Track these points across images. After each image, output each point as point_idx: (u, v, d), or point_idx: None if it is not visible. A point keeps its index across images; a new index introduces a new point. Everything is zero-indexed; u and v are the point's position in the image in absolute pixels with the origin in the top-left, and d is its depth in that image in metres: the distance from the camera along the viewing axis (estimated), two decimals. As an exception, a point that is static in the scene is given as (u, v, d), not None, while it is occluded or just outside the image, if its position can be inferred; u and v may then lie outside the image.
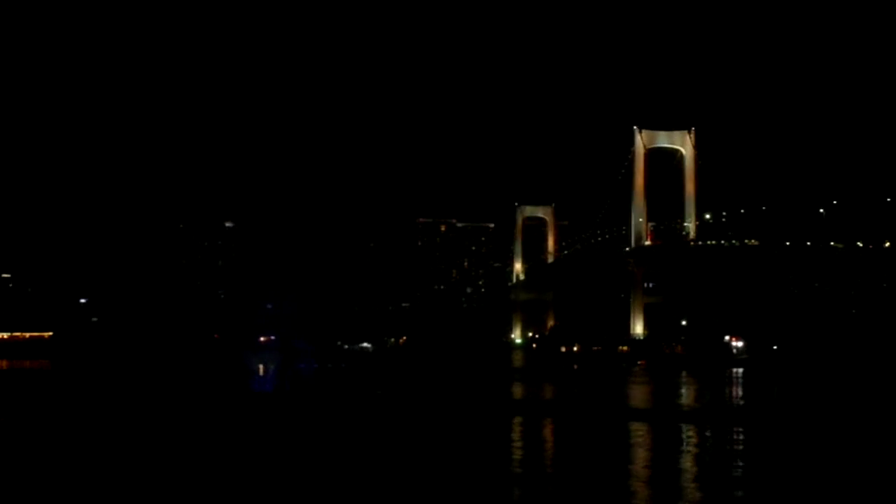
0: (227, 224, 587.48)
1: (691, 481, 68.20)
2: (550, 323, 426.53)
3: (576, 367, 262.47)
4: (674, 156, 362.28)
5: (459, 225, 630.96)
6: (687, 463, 76.05)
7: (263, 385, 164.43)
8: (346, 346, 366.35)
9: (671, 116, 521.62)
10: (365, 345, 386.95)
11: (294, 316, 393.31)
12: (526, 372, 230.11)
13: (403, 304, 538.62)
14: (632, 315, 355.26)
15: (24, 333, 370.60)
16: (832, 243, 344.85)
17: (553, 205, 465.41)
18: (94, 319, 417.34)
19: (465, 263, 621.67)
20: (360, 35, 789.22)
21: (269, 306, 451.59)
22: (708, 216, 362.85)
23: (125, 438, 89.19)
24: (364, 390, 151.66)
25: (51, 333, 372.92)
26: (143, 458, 76.28)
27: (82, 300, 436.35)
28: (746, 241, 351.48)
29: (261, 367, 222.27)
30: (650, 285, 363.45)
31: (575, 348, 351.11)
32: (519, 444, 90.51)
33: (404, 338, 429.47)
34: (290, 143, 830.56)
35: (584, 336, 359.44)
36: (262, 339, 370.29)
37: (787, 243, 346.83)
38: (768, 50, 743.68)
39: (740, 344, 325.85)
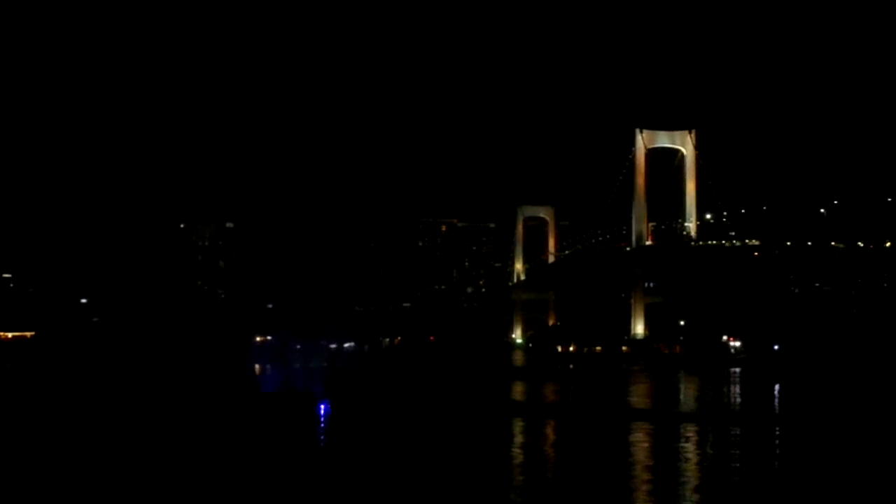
0: (228, 224, 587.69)
1: (692, 482, 68.04)
2: (551, 323, 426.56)
3: (572, 366, 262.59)
4: (675, 156, 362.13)
5: (460, 225, 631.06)
6: (686, 464, 75.92)
7: (268, 386, 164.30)
8: (335, 347, 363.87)
9: (672, 117, 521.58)
10: (350, 345, 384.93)
11: (293, 316, 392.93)
12: (523, 372, 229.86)
13: (404, 304, 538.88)
14: (632, 315, 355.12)
15: (6, 333, 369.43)
16: (833, 243, 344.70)
17: (554, 205, 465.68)
18: (95, 319, 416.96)
19: (466, 263, 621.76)
20: (360, 35, 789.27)
21: (270, 306, 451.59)
22: (709, 216, 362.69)
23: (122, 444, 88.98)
24: (363, 391, 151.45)
25: (32, 333, 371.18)
26: (149, 463, 76.13)
27: (83, 300, 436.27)
28: (747, 241, 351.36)
29: (257, 367, 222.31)
30: (651, 285, 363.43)
31: (571, 348, 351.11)
32: (519, 445, 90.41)
33: (399, 338, 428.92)
34: (290, 144, 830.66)
35: (582, 336, 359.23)
36: (258, 339, 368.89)
37: (788, 243, 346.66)
38: (768, 50, 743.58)
39: (738, 344, 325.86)
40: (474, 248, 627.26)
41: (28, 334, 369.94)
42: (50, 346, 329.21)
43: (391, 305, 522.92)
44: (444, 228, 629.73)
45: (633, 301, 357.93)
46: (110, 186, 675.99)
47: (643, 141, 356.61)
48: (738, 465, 76.45)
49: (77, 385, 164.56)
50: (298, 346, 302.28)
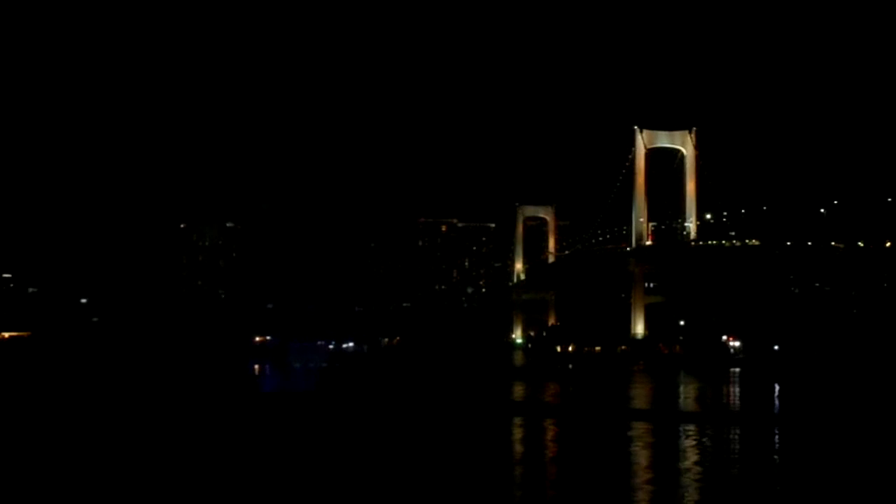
0: (228, 224, 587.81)
1: (692, 483, 68.03)
2: (551, 323, 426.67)
3: (571, 366, 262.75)
4: (675, 156, 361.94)
5: (460, 225, 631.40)
6: (686, 464, 75.91)
7: (269, 385, 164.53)
8: (332, 346, 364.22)
9: (672, 116, 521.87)
10: (349, 344, 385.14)
11: (293, 316, 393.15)
12: (523, 372, 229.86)
13: (404, 304, 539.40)
14: (632, 315, 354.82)
15: (3, 333, 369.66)
16: (833, 243, 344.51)
17: (554, 205, 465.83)
18: (95, 319, 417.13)
19: (466, 263, 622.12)
20: (360, 35, 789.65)
21: (270, 306, 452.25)
22: (709, 216, 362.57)
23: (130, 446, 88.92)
24: (364, 390, 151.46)
25: (29, 333, 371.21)
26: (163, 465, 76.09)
27: (83, 300, 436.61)
28: (747, 241, 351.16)
29: (256, 367, 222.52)
30: (651, 285, 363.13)
31: (570, 348, 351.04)
32: (518, 445, 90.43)
33: (398, 338, 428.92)
34: (290, 144, 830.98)
35: (581, 336, 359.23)
36: (257, 339, 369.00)
37: (788, 243, 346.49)
38: (768, 50, 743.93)
39: (737, 344, 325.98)
40: (474, 248, 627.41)
41: (25, 334, 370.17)
42: (46, 345, 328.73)
43: (391, 305, 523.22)
44: (444, 228, 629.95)
45: (633, 301, 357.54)
46: (111, 186, 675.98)
47: (643, 141, 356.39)
48: (737, 465, 76.43)
49: (75, 385, 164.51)
50: (295, 346, 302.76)
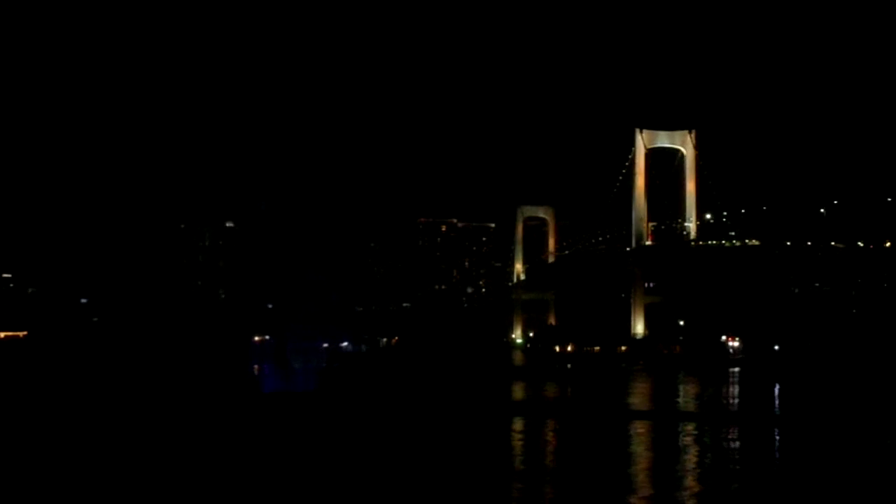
0: (228, 224, 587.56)
1: (691, 482, 68.07)
2: (551, 322, 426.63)
3: (569, 366, 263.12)
4: (675, 156, 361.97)
5: (460, 225, 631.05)
6: (685, 464, 75.93)
7: (270, 386, 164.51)
8: (327, 346, 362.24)
9: (672, 117, 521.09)
10: (346, 344, 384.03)
11: (293, 316, 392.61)
12: (523, 372, 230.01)
13: (404, 304, 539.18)
14: (632, 315, 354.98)
15: None
16: (833, 243, 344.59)
17: (554, 205, 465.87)
18: (95, 319, 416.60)
19: (466, 263, 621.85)
20: (360, 35, 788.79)
21: (270, 306, 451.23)
22: (708, 216, 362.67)
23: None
24: (365, 391, 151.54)
25: (25, 333, 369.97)
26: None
27: (83, 300, 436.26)
28: (747, 241, 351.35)
29: (256, 367, 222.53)
30: (651, 285, 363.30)
31: (570, 348, 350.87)
32: (518, 444, 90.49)
33: (396, 338, 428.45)
34: (289, 144, 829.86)
35: (579, 336, 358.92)
36: (256, 338, 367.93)
37: (788, 243, 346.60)
38: (768, 50, 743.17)
39: (736, 344, 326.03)
40: (474, 248, 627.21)
41: (21, 333, 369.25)
42: (43, 344, 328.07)
43: (391, 305, 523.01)
44: (443, 228, 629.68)
45: (633, 301, 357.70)
46: (110, 186, 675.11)
47: (643, 141, 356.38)
48: (737, 464, 76.48)
49: (75, 385, 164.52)
50: (295, 346, 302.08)
